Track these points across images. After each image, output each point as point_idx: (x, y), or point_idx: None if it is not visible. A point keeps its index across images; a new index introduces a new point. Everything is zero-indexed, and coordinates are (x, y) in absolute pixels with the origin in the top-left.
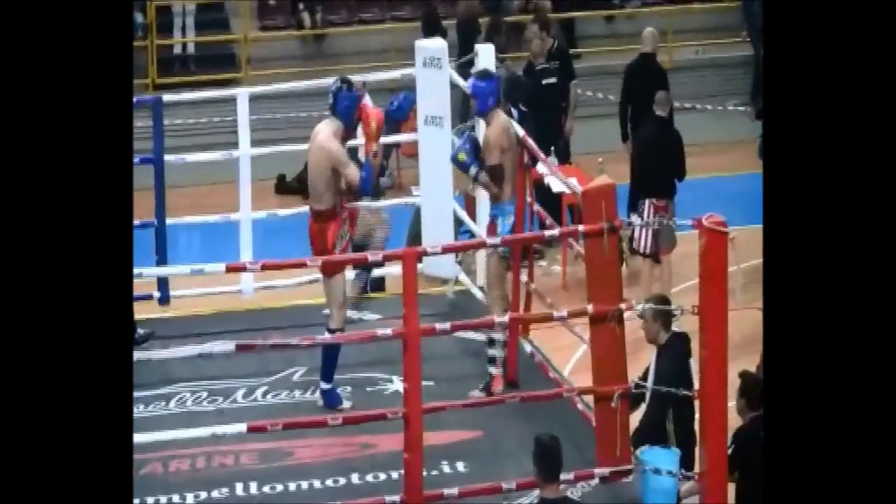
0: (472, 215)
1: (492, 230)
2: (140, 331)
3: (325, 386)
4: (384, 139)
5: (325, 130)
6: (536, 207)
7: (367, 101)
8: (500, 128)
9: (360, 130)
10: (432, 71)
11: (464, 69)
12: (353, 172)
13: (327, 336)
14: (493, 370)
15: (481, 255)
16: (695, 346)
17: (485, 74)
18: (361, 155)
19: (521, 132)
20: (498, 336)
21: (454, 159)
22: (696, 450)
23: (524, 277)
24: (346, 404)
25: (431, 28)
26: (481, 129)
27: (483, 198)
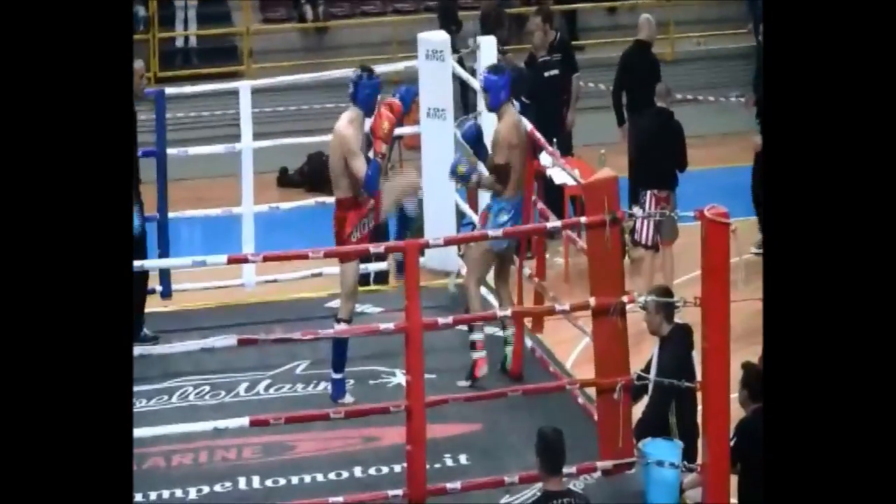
0: (475, 208)
1: (482, 219)
2: (146, 331)
3: (335, 375)
4: None
5: (344, 118)
6: (540, 206)
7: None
8: (510, 124)
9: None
10: (434, 63)
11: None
12: (359, 165)
13: (329, 331)
14: (475, 354)
15: None
16: (697, 337)
17: (497, 69)
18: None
19: (528, 126)
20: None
21: (454, 174)
22: (699, 442)
23: (527, 271)
24: (349, 398)
25: (447, 20)
26: (485, 122)
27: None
